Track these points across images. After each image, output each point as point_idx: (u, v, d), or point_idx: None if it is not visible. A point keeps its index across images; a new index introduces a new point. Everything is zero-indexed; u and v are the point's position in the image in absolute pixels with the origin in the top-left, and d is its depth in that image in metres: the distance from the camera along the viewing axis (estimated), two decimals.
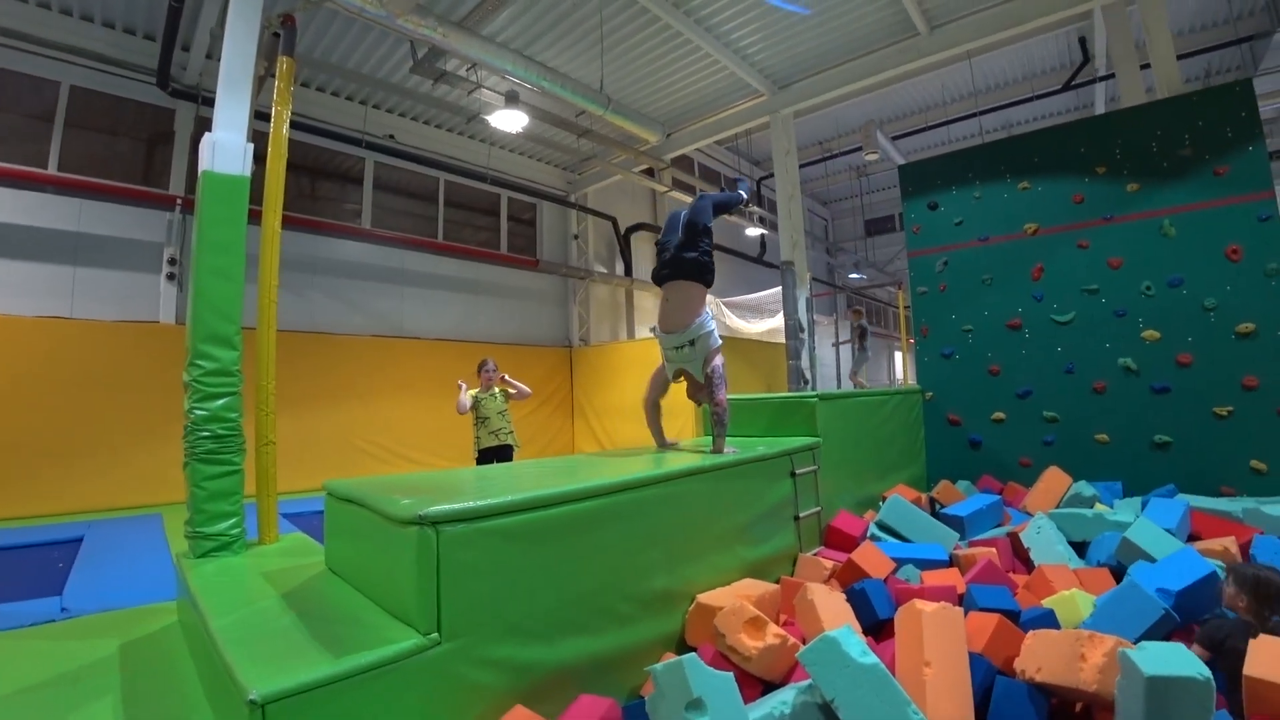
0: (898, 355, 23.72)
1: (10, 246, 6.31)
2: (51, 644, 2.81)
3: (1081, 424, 5.18)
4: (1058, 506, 4.36)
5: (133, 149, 7.27)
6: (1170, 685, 1.77)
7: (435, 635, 1.73)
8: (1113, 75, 8.47)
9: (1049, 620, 2.64)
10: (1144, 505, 4.23)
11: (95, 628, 3.02)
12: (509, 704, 1.84)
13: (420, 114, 9.14)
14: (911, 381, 17.80)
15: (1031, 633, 2.35)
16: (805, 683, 1.87)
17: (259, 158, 3.37)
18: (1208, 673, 1.78)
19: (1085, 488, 4.43)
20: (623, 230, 11.78)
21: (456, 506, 1.81)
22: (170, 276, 7.11)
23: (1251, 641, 2.09)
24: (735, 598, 2.55)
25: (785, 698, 1.77)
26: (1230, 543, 3.38)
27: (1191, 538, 3.61)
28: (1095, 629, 2.47)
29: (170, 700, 2.25)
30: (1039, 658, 2.22)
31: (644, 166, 10.25)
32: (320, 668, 1.57)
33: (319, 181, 8.52)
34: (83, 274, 6.68)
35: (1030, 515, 4.29)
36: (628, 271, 11.80)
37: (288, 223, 4.03)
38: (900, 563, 3.26)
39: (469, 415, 5.43)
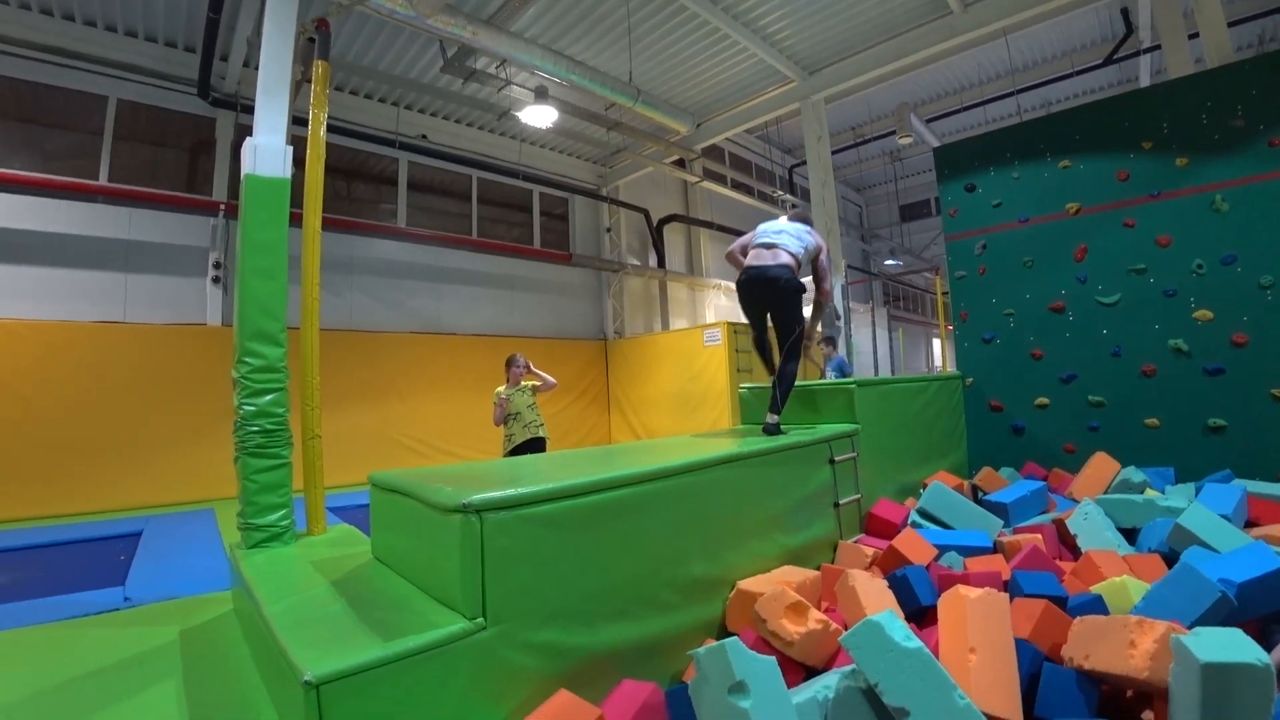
0: (935, 343, 23.29)
1: (67, 256, 6.60)
2: (116, 630, 2.97)
3: (1129, 408, 5.01)
4: (1107, 492, 4.23)
5: (177, 158, 7.54)
6: (1228, 672, 1.69)
7: (481, 620, 1.77)
8: (1158, 47, 8.13)
9: (1097, 606, 2.56)
10: (1198, 491, 4.07)
11: (156, 616, 3.17)
12: (552, 688, 1.88)
13: (451, 113, 9.28)
14: (950, 369, 17.48)
15: (1080, 619, 2.28)
16: (848, 667, 1.86)
17: (297, 161, 3.47)
18: (1268, 659, 1.70)
19: (1134, 473, 4.27)
20: (655, 222, 11.77)
21: (499, 494, 1.85)
22: (215, 280, 7.36)
23: None
24: (776, 584, 2.55)
25: (828, 682, 1.77)
26: None
27: (1249, 524, 3.47)
28: (1146, 614, 2.36)
29: (228, 682, 2.36)
30: (1087, 645, 2.16)
31: (674, 158, 10.24)
32: (371, 651, 1.62)
33: (354, 183, 8.71)
34: (134, 280, 6.96)
35: (1076, 502, 4.19)
36: (660, 263, 11.80)
37: (326, 224, 4.15)
38: (942, 550, 3.21)
39: None
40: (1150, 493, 4.00)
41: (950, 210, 6.10)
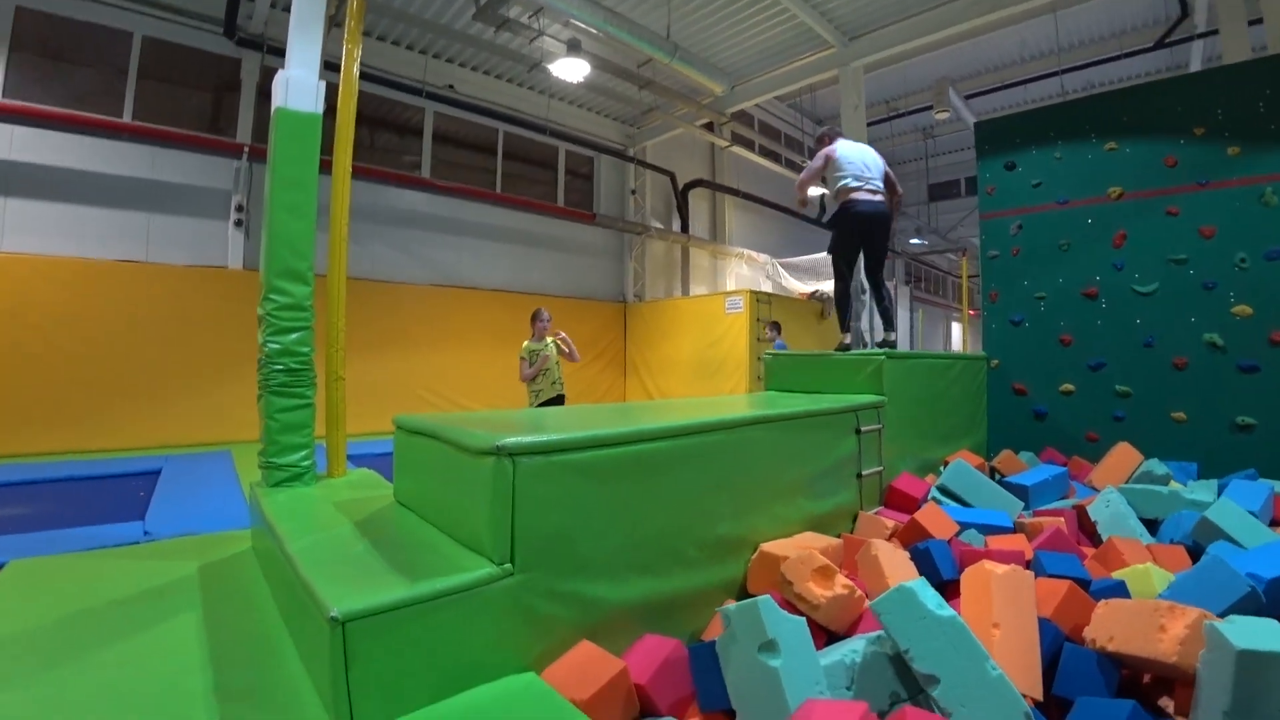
0: (955, 326, 23.04)
1: (90, 194, 6.59)
2: (136, 563, 2.99)
3: (1157, 400, 4.92)
4: (1127, 482, 4.17)
5: (201, 99, 7.47)
6: (1263, 661, 1.67)
7: (508, 565, 1.76)
8: (1214, 32, 7.80)
9: (1120, 591, 2.53)
10: (1221, 488, 4.00)
11: (175, 550, 3.21)
12: (576, 638, 1.87)
13: (481, 63, 9.10)
14: (968, 352, 17.34)
15: (1104, 601, 2.25)
16: (875, 633, 1.85)
17: (326, 109, 3.40)
18: None
19: (1157, 466, 4.22)
20: (680, 186, 11.61)
21: (534, 439, 1.83)
22: (238, 223, 7.34)
23: None
24: (798, 548, 2.54)
25: (855, 646, 1.76)
26: None
27: (1274, 523, 3.41)
28: (1172, 599, 2.37)
29: (247, 615, 2.38)
30: (1112, 627, 2.13)
31: (705, 120, 10.04)
32: (397, 590, 1.61)
33: (379, 132, 8.61)
34: (157, 220, 6.95)
35: (1096, 490, 4.13)
36: (684, 228, 11.67)
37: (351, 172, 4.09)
38: (963, 526, 3.19)
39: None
40: (1174, 485, 3.94)
41: (988, 188, 5.95)
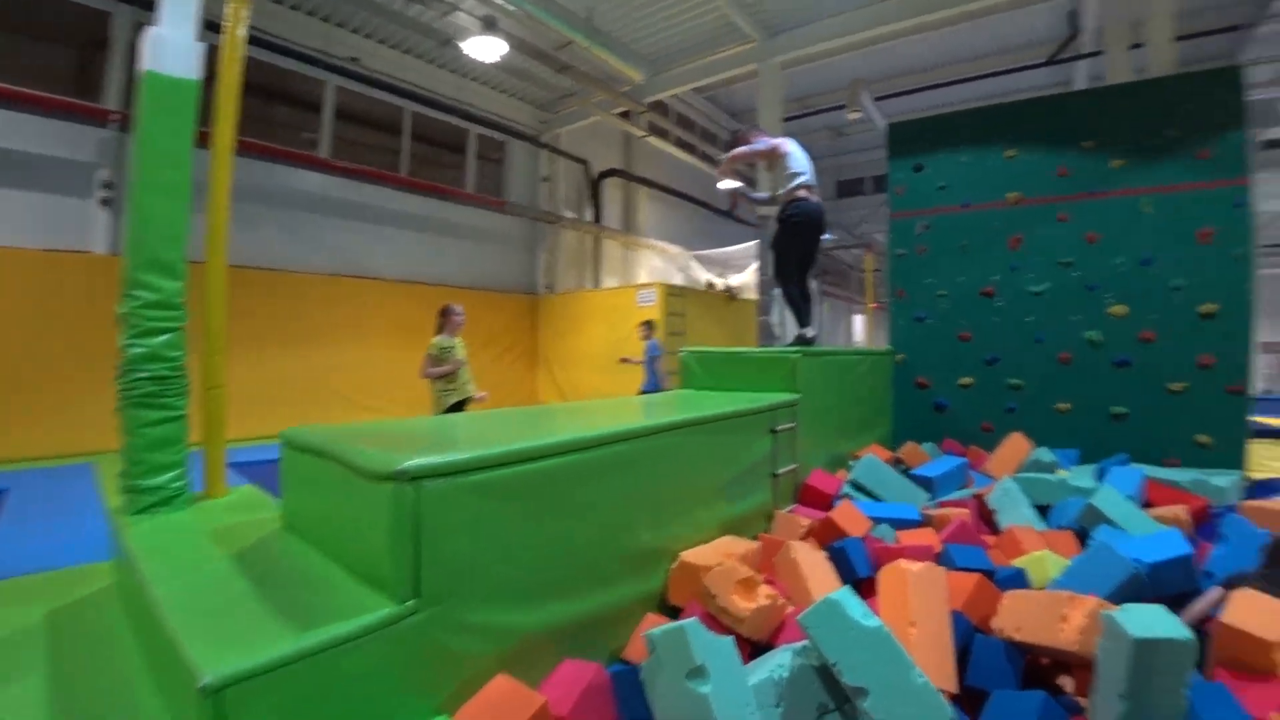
0: (857, 319, 24.11)
1: None
2: None
3: (1044, 393, 5.27)
4: (1018, 471, 4.44)
5: (63, 55, 6.59)
6: (1155, 647, 1.77)
7: (413, 602, 1.58)
8: (1098, 53, 8.43)
9: (1021, 579, 2.68)
10: (1099, 473, 4.35)
11: (18, 592, 2.76)
12: (490, 672, 1.72)
13: (389, 37, 8.55)
14: (871, 344, 18.08)
15: (1009, 593, 2.38)
16: (799, 644, 1.82)
17: (207, 75, 3.02)
18: (1190, 634, 1.80)
19: (1045, 454, 4.50)
20: (594, 175, 11.43)
21: (438, 459, 1.65)
22: (105, 202, 6.57)
23: (1232, 593, 2.18)
24: (720, 555, 2.51)
25: (781, 660, 1.72)
26: (1181, 510, 3.48)
27: (1146, 505, 3.70)
28: (1067, 587, 2.51)
29: (107, 676, 1.98)
30: (1018, 617, 2.25)
31: (621, 109, 9.88)
32: (284, 642, 1.39)
33: (273, 105, 7.93)
34: (5, 196, 6.10)
35: (992, 478, 4.37)
36: (597, 219, 11.52)
37: (238, 148, 3.69)
38: (875, 521, 3.27)
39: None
40: (1061, 473, 4.22)
41: (897, 189, 6.15)
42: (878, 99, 11.57)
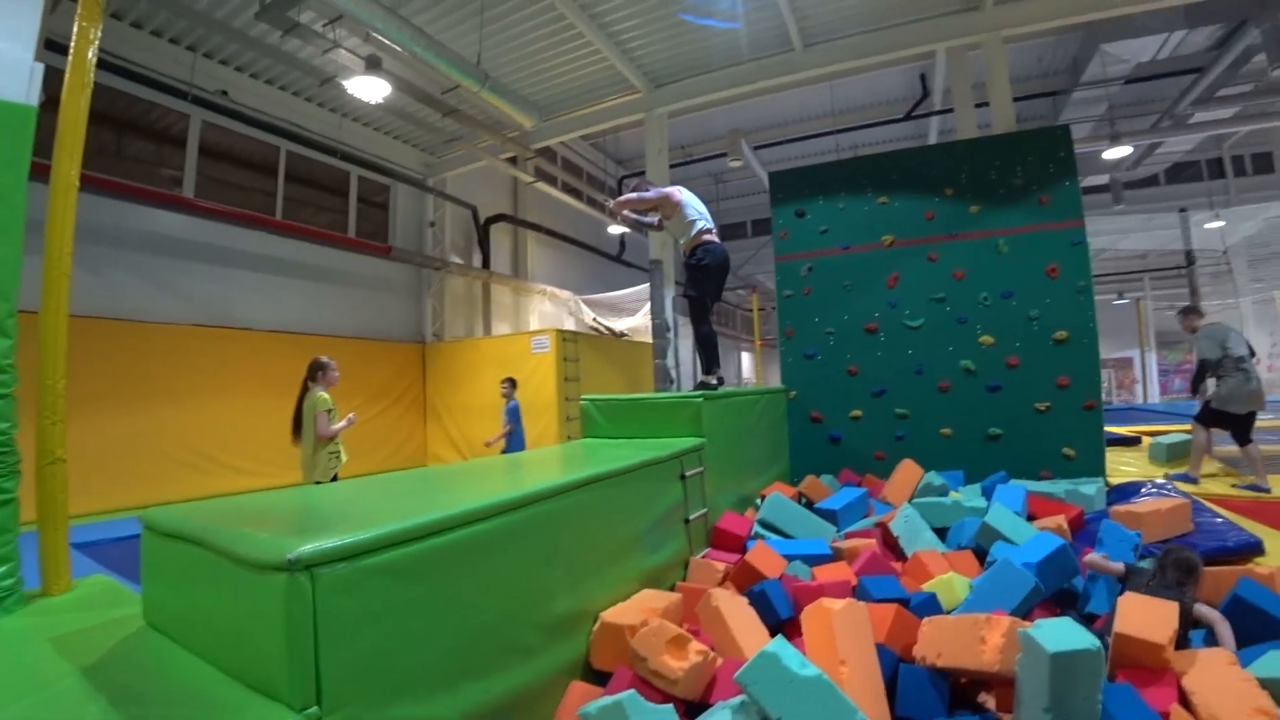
0: (745, 355, 25.04)
1: None
2: None
3: (928, 420, 5.61)
4: (913, 495, 4.66)
5: None
6: (1071, 659, 1.88)
7: (314, 710, 1.35)
8: (949, 110, 9.40)
9: (934, 604, 2.78)
10: (984, 491, 4.68)
11: None
12: None
13: (263, 70, 8.03)
14: (760, 381, 18.72)
15: (927, 620, 2.42)
16: (737, 700, 1.74)
17: (50, 94, 2.65)
18: (1098, 643, 1.91)
19: (935, 478, 4.76)
20: (482, 220, 11.24)
21: (335, 542, 1.44)
22: None
23: (1119, 599, 2.32)
24: (641, 612, 2.41)
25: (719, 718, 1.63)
26: (1061, 520, 3.81)
27: (1030, 518, 3.99)
28: (976, 606, 2.66)
29: None
30: (938, 643, 2.28)
31: (509, 154, 9.81)
32: None
33: (129, 138, 7.18)
34: None
35: (889, 505, 4.56)
36: (485, 264, 11.26)
37: (86, 183, 3.27)
38: (789, 559, 3.29)
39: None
40: (954, 494, 4.47)
41: (781, 233, 6.43)
42: (756, 148, 12.29)
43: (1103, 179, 12.14)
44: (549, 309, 12.70)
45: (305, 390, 4.71)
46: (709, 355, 4.59)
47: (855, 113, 11.84)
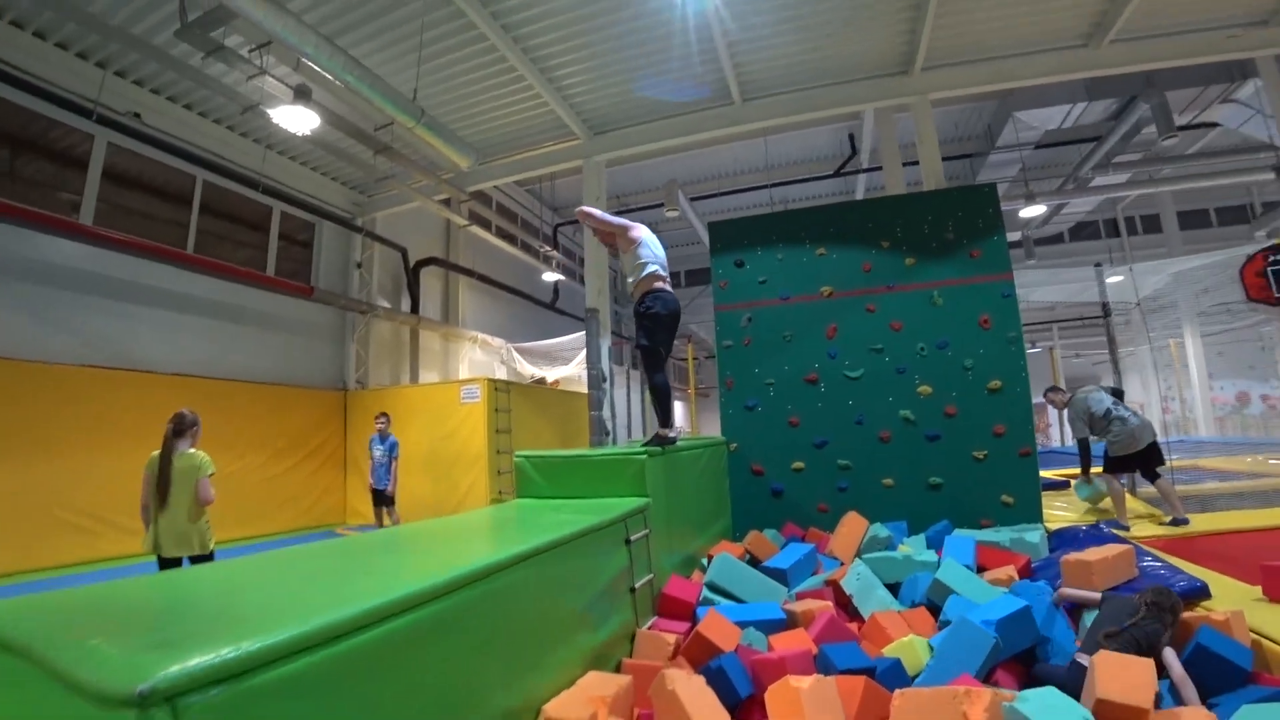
0: (679, 405, 25.07)
1: None
2: None
3: (871, 470, 5.58)
4: (860, 548, 4.56)
5: None
6: None
7: None
8: (876, 168, 9.84)
9: (899, 670, 2.65)
10: (929, 541, 4.65)
11: None
12: None
13: (182, 94, 7.51)
14: (695, 431, 18.66)
15: (899, 693, 2.27)
16: None
17: None
18: (1088, 714, 1.89)
19: (881, 529, 4.70)
20: (412, 263, 10.84)
21: (209, 660, 1.10)
22: None
23: (1093, 658, 2.28)
24: (588, 701, 2.16)
25: None
26: (1011, 570, 3.79)
27: (980, 569, 3.94)
28: (940, 669, 2.58)
29: None
30: (914, 719, 2.13)
31: (443, 196, 9.54)
32: None
33: (22, 156, 6.49)
34: None
35: (837, 560, 4.44)
36: (414, 309, 10.82)
37: None
38: (741, 626, 3.08)
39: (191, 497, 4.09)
40: (903, 547, 4.39)
41: (721, 283, 6.39)
42: (692, 199, 12.52)
43: (1016, 235, 12.97)
44: (480, 357, 12.30)
45: (171, 448, 4.08)
46: (664, 408, 4.36)
47: (788, 168, 12.28)
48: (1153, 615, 2.58)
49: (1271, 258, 5.76)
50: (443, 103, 7.65)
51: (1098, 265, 7.04)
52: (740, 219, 6.65)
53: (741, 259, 6.36)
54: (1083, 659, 2.48)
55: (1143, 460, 5.11)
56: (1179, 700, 2.37)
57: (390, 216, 10.54)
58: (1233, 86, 8.79)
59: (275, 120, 6.27)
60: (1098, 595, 2.84)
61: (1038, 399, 5.94)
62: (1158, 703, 2.18)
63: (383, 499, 7.19)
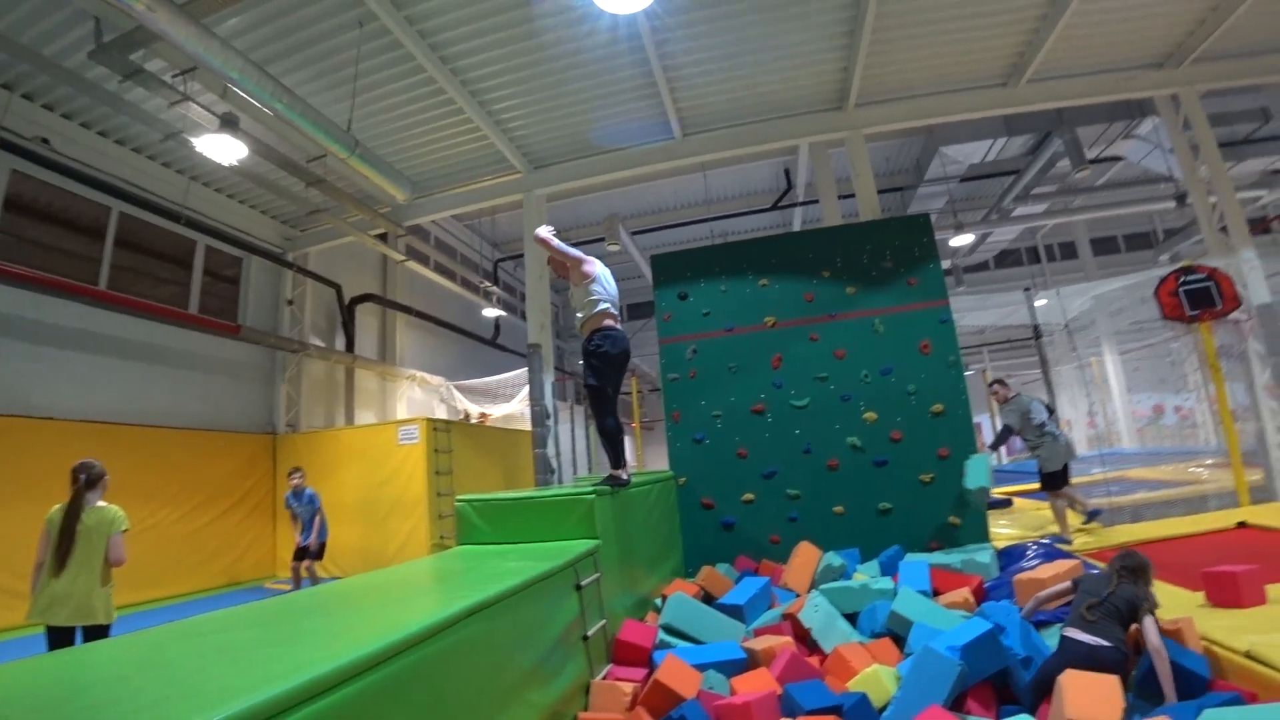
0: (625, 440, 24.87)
1: None
2: None
3: (820, 498, 5.58)
4: (814, 579, 4.52)
5: None
6: None
7: None
8: (812, 201, 10.16)
9: (866, 706, 2.58)
10: (882, 567, 4.67)
11: None
12: None
13: (96, 119, 7.04)
14: (640, 466, 18.47)
15: None
16: None
17: None
18: None
19: (834, 558, 4.66)
20: (347, 300, 10.44)
21: None
22: None
23: (1059, 679, 2.26)
24: None
25: None
26: (966, 593, 3.81)
27: (936, 593, 3.94)
28: (907, 701, 2.53)
29: None
30: None
31: (378, 231, 9.27)
32: None
33: None
34: None
35: (792, 592, 4.40)
36: (349, 347, 10.38)
37: None
38: (702, 669, 2.96)
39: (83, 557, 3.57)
40: (859, 576, 4.37)
41: (665, 315, 6.37)
42: (633, 233, 12.61)
43: (946, 264, 13.62)
44: (418, 395, 11.90)
45: (81, 503, 3.62)
46: (615, 450, 4.21)
47: (726, 202, 12.54)
48: (1127, 579, 2.64)
49: (1183, 279, 6.16)
50: (378, 134, 7.46)
51: (1027, 290, 7.41)
52: (683, 251, 6.68)
53: (685, 291, 6.36)
54: (1071, 632, 2.51)
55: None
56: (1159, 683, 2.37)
57: (323, 252, 10.16)
58: (1134, 123, 9.52)
59: (199, 149, 5.97)
60: (1068, 585, 2.86)
61: (978, 418, 6.14)
62: (1127, 716, 2.17)
63: (307, 553, 6.70)
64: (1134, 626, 2.53)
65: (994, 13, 6.45)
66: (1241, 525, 4.98)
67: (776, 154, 10.24)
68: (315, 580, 6.75)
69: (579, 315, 4.26)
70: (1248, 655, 2.47)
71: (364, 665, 1.49)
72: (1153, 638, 2.42)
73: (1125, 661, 2.42)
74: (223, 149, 5.84)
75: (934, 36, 6.69)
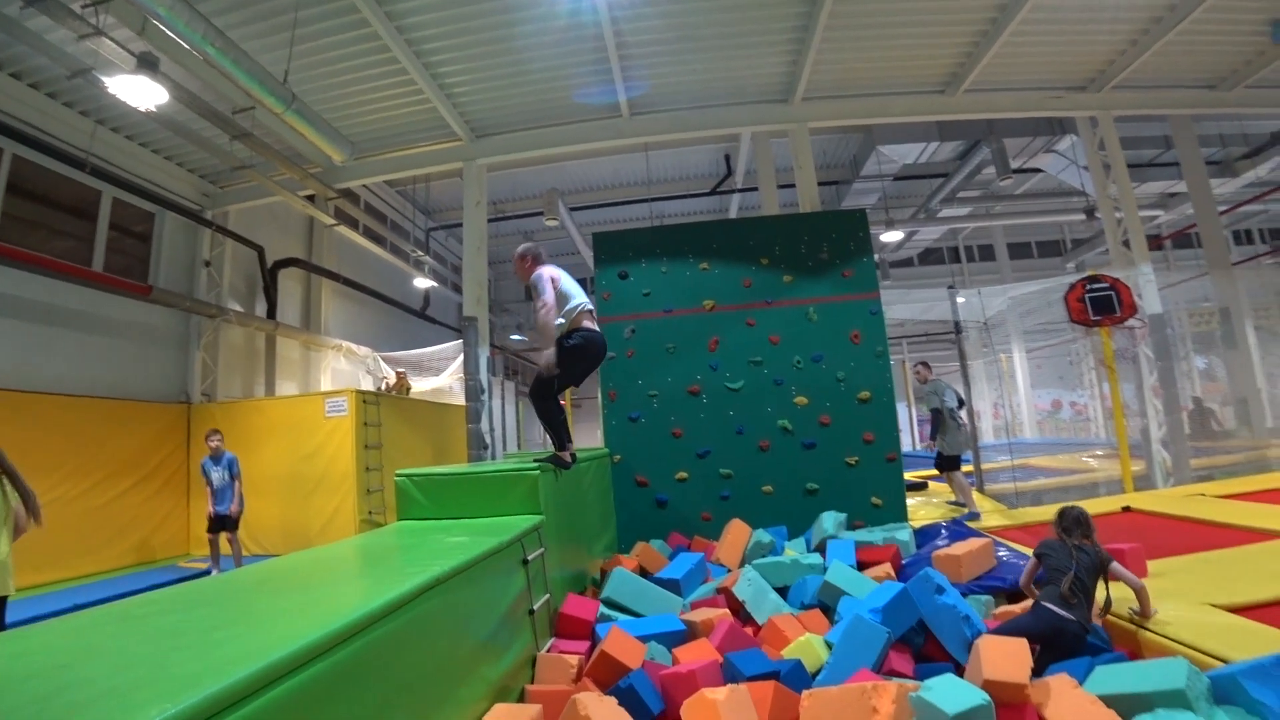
0: None
1: None
2: None
3: (751, 478, 5.81)
4: (744, 555, 4.73)
5: None
6: (969, 716, 1.99)
7: None
8: (751, 189, 10.37)
9: (801, 671, 2.75)
10: (808, 544, 4.94)
11: None
12: None
13: None
14: (579, 443, 18.54)
15: (808, 693, 2.39)
16: None
17: None
18: (988, 699, 2.06)
19: (764, 535, 4.89)
20: (270, 263, 9.88)
21: None
22: None
23: (976, 643, 2.47)
24: None
25: None
26: (888, 567, 4.10)
27: (860, 566, 4.20)
28: (839, 665, 2.72)
29: None
30: (825, 718, 2.25)
31: (307, 192, 8.81)
32: None
33: None
34: None
35: (724, 567, 4.58)
36: (271, 313, 9.84)
37: None
38: (644, 641, 3.08)
39: None
40: (789, 552, 4.60)
41: (604, 294, 6.41)
42: (571, 209, 12.51)
43: (875, 258, 14.23)
44: (344, 366, 11.45)
45: None
46: (557, 432, 4.20)
47: (667, 184, 12.62)
48: (1078, 540, 2.89)
49: (1089, 286, 6.73)
50: (316, 89, 7.04)
51: (951, 287, 7.86)
52: (625, 231, 6.73)
53: (625, 271, 6.42)
54: (1047, 605, 2.73)
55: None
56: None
57: (246, 211, 9.55)
58: (1055, 139, 10.24)
59: (111, 91, 5.45)
60: (1033, 560, 3.08)
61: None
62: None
63: (224, 523, 6.37)
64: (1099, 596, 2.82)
65: (940, 24, 6.80)
66: (1127, 509, 5.52)
67: (719, 140, 10.36)
68: (239, 555, 6.46)
69: (559, 323, 4.09)
70: (1130, 620, 2.85)
71: (328, 644, 1.48)
72: (1130, 577, 2.81)
73: (1083, 637, 2.68)
74: (139, 92, 5.36)
75: (882, 40, 6.97)
